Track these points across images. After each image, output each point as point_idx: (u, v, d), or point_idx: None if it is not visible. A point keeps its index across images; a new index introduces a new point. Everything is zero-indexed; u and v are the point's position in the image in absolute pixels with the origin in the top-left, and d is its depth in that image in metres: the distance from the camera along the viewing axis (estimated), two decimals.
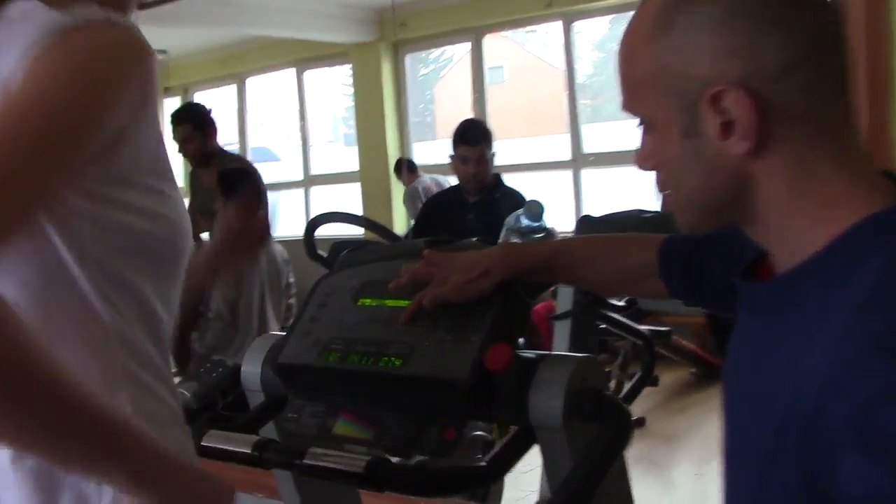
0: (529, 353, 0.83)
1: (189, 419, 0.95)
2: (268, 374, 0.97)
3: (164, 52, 6.90)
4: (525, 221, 2.74)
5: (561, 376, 0.79)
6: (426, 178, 4.98)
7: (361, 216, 2.99)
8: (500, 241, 2.64)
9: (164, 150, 0.76)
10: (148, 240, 0.74)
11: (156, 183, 0.75)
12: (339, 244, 2.90)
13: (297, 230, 5.72)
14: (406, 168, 5.22)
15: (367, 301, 0.93)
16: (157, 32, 5.62)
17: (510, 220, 2.83)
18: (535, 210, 2.74)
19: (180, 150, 3.29)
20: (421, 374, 0.83)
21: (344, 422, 0.89)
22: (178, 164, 3.86)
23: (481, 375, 0.79)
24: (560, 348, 1.67)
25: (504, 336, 0.82)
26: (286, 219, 5.37)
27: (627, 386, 2.01)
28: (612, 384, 3.56)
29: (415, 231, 2.94)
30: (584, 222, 1.75)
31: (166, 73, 7.47)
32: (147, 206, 0.74)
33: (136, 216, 0.73)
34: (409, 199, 5.05)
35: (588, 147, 5.34)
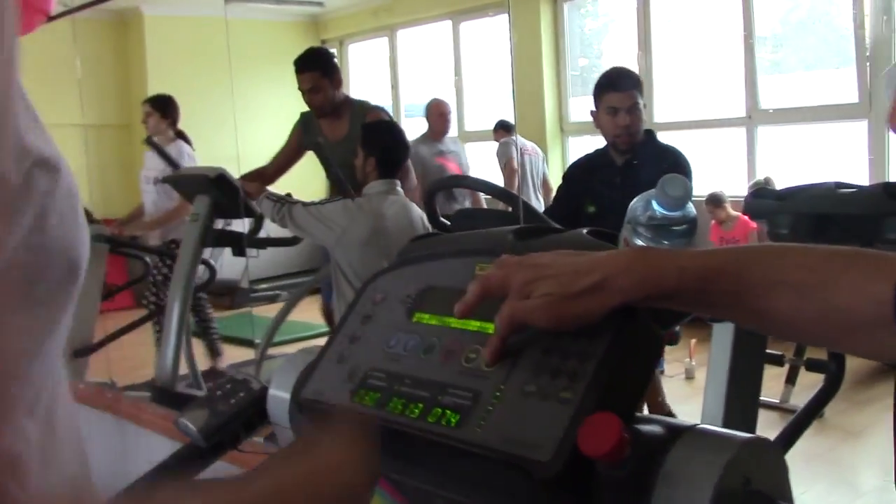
0: (655, 425, 0.51)
1: (193, 462, 0.69)
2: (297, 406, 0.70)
3: (320, 3, 6.87)
4: (659, 209, 2.02)
5: (709, 471, 0.47)
6: (521, 139, 4.81)
7: (485, 181, 2.67)
8: (619, 239, 2.13)
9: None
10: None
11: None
12: (464, 212, 2.64)
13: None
14: (500, 127, 5.11)
15: (425, 317, 0.64)
16: None
17: (636, 206, 2.26)
18: (676, 193, 2.01)
19: (306, 100, 3.07)
20: (483, 444, 0.53)
21: (379, 494, 0.61)
22: (283, 112, 3.66)
23: (573, 460, 0.49)
24: (714, 392, 1.23)
25: (614, 399, 0.51)
26: None
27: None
28: (785, 370, 3.13)
29: (555, 204, 2.60)
30: (760, 198, 1.29)
31: (323, 25, 7.45)
32: None
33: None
34: (502, 151, 4.88)
35: (766, 102, 4.82)
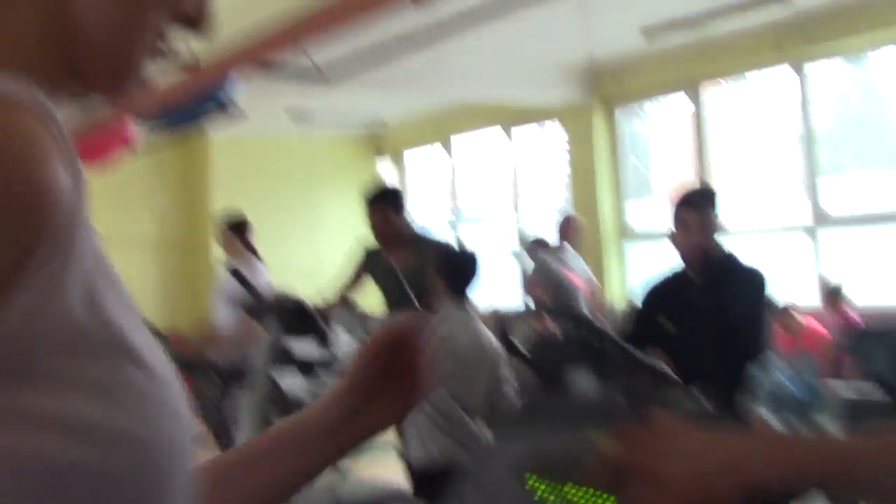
0: None
1: None
2: None
3: (380, 120, 7.05)
4: (791, 387, 1.65)
5: None
6: (550, 256, 4.70)
7: (576, 313, 2.63)
8: (743, 412, 1.91)
9: (115, 301, 0.46)
10: (78, 476, 0.42)
11: (98, 367, 0.44)
12: (545, 343, 2.62)
13: (506, 300, 5.53)
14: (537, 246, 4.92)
15: (541, 488, 0.65)
16: (370, 98, 5.75)
17: (759, 376, 2.18)
18: (811, 380, 1.60)
19: (373, 232, 3.18)
20: None
21: None
22: (345, 246, 3.72)
23: None
24: None
25: None
26: (495, 287, 5.15)
27: None
28: None
29: (635, 327, 2.56)
30: (865, 341, 1.22)
31: (381, 138, 7.64)
32: (75, 411, 0.42)
33: (52, 434, 0.41)
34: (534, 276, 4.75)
35: (827, 204, 4.78)
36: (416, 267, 2.95)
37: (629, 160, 6.05)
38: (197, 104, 3.28)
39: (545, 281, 4.30)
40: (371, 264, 3.34)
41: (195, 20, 0.61)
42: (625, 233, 5.78)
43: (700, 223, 2.39)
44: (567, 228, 4.65)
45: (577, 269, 4.49)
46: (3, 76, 0.47)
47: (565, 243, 4.56)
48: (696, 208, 2.44)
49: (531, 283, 4.41)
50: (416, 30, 3.45)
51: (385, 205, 3.24)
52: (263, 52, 2.40)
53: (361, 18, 2.03)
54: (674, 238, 2.48)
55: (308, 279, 4.20)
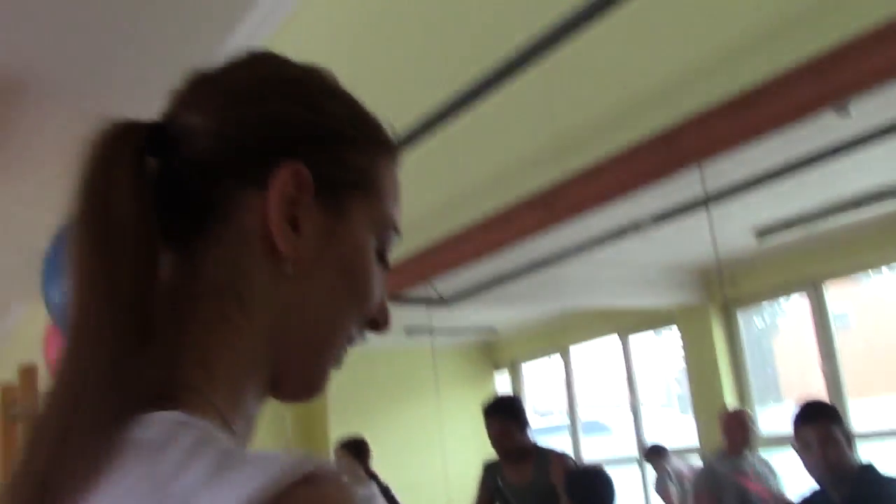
0: None
1: None
2: None
3: (493, 330, 7.15)
4: None
5: None
6: (675, 461, 4.47)
7: None
8: None
9: None
10: None
11: None
12: None
13: None
14: (654, 454, 4.82)
15: None
16: (487, 313, 5.83)
17: None
18: None
19: (493, 444, 3.13)
20: None
21: None
22: (469, 460, 3.70)
23: None
24: None
25: None
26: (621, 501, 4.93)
27: None
28: None
29: None
30: None
31: (497, 349, 7.70)
32: None
33: None
34: (659, 486, 4.62)
35: None
36: (539, 482, 2.88)
37: (754, 364, 5.87)
38: None
39: (712, 490, 3.87)
40: (492, 480, 3.26)
41: (380, 324, 0.64)
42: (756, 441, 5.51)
43: (822, 439, 2.28)
44: (733, 426, 4.05)
45: (750, 473, 3.94)
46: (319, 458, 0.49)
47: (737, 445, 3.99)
48: (814, 424, 2.34)
49: (698, 495, 3.96)
50: (538, 257, 3.54)
51: (504, 416, 3.19)
52: (393, 290, 2.48)
53: (490, 254, 2.10)
54: (799, 456, 2.37)
55: (435, 497, 4.12)
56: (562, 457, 3.15)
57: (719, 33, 1.66)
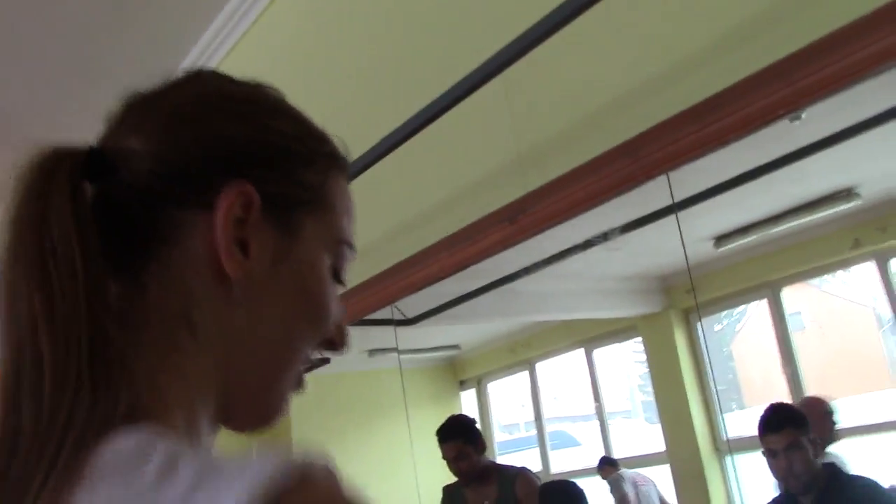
0: None
1: None
2: None
3: (456, 347, 7.12)
4: None
5: None
6: (629, 472, 4.51)
7: None
8: None
9: None
10: None
11: None
12: None
13: None
14: (606, 464, 4.92)
15: None
16: (451, 331, 5.80)
17: None
18: None
19: (451, 469, 3.13)
20: None
21: None
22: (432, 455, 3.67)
23: None
24: None
25: None
26: None
27: None
28: None
29: None
30: None
31: (461, 366, 7.66)
32: None
33: None
34: (614, 487, 4.66)
35: None
36: (504, 500, 2.87)
37: (717, 370, 5.91)
38: None
39: None
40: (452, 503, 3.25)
41: (337, 344, 0.62)
42: (722, 447, 5.54)
43: (788, 446, 2.31)
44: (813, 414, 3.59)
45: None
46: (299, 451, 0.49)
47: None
48: (779, 431, 2.38)
49: None
50: (502, 272, 3.54)
51: (457, 439, 3.20)
52: (359, 314, 2.45)
53: (455, 272, 2.07)
54: (768, 462, 2.40)
55: None
56: (525, 471, 3.15)
57: (680, 42, 1.67)
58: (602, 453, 6.06)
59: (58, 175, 0.56)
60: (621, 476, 4.62)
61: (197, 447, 0.54)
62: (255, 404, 0.60)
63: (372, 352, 5.70)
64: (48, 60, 3.11)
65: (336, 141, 0.67)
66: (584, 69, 1.79)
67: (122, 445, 0.48)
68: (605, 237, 2.74)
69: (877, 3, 1.33)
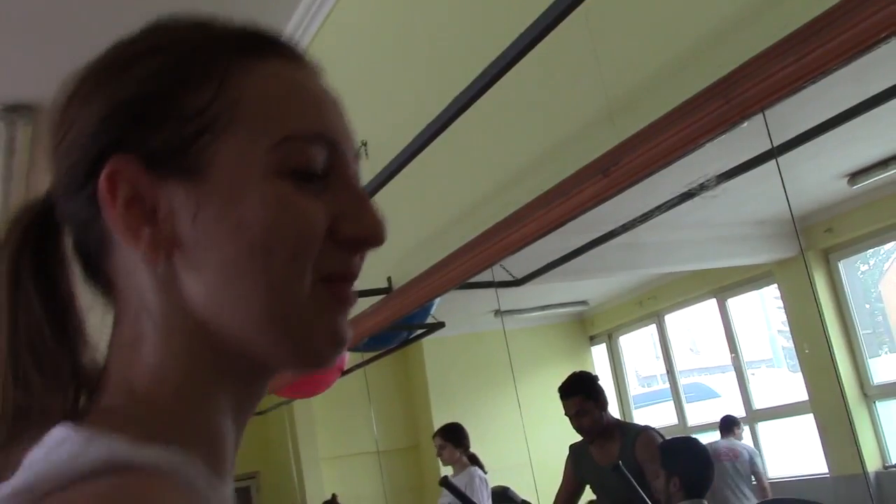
0: None
1: None
2: None
3: (584, 303, 7.03)
4: None
5: None
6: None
7: None
8: None
9: None
10: None
11: None
12: None
13: None
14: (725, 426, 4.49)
15: None
16: (577, 286, 5.72)
17: None
18: None
19: (574, 425, 3.08)
20: None
21: None
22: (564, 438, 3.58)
23: None
24: None
25: None
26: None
27: None
28: None
29: None
30: None
31: (590, 322, 7.57)
32: None
33: None
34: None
35: None
36: (626, 460, 2.79)
37: (861, 313, 5.60)
38: (398, 326, 3.35)
39: None
40: (579, 462, 3.21)
41: (364, 236, 0.55)
42: (870, 392, 5.26)
43: None
44: None
45: None
46: (152, 446, 0.46)
47: None
48: None
49: None
50: (608, 222, 3.43)
51: (580, 396, 3.15)
52: (460, 277, 2.42)
53: (553, 228, 2.01)
54: None
55: (535, 473, 4.05)
56: (648, 430, 3.07)
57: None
58: (742, 403, 5.87)
59: (16, 230, 0.57)
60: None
61: (189, 437, 0.51)
62: (275, 345, 0.54)
63: (497, 312, 5.70)
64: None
65: (235, 32, 0.57)
66: (670, 6, 1.67)
67: (46, 441, 0.47)
68: (703, 188, 2.59)
69: None
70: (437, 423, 4.91)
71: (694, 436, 3.15)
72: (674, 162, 1.65)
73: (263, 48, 0.55)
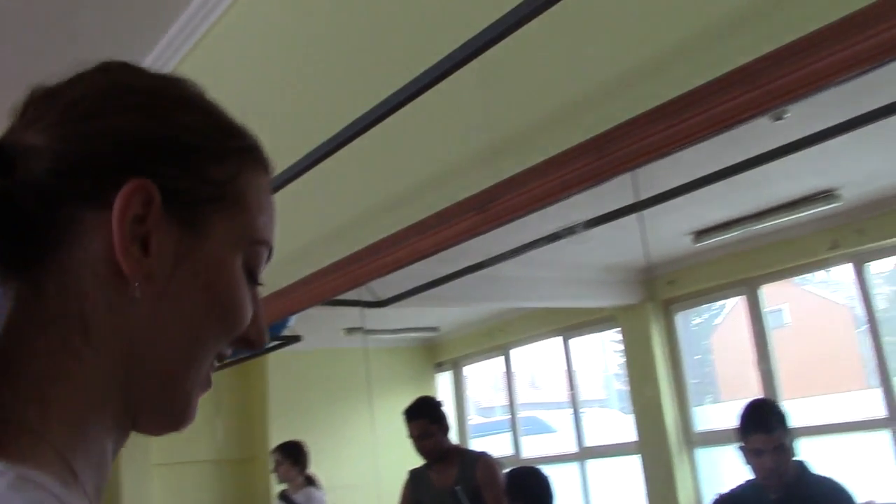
0: None
1: None
2: None
3: (435, 329, 7.14)
4: None
5: None
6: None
7: None
8: None
9: None
10: None
11: None
12: None
13: None
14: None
15: None
16: (429, 312, 5.81)
17: None
18: None
19: (416, 447, 3.17)
20: None
21: None
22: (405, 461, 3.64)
23: None
24: None
25: None
26: (562, 500, 4.98)
27: None
28: None
29: None
30: None
31: (439, 348, 7.69)
32: None
33: None
34: None
35: None
36: (464, 484, 2.89)
37: (692, 363, 5.95)
38: None
39: None
40: (418, 486, 3.29)
41: (254, 342, 0.61)
42: (692, 439, 5.59)
43: (771, 446, 2.32)
44: None
45: None
46: (34, 467, 0.47)
47: None
48: (768, 433, 2.38)
49: None
50: (476, 258, 3.54)
51: (423, 418, 3.23)
52: (324, 296, 2.45)
53: (426, 256, 2.08)
54: (745, 458, 2.40)
55: (370, 499, 4.08)
56: (486, 456, 3.18)
57: (650, 39, 1.66)
58: (575, 440, 6.10)
59: None
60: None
61: (76, 462, 0.52)
62: (161, 406, 0.58)
63: (349, 330, 5.72)
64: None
65: (253, 137, 0.64)
66: (558, 63, 1.78)
67: None
68: (571, 231, 2.75)
69: (843, 12, 1.33)
70: (275, 438, 4.86)
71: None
72: (548, 206, 1.75)
73: (261, 159, 0.62)
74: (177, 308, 0.56)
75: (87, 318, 0.55)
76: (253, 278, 0.61)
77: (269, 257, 0.63)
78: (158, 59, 3.12)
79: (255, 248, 0.61)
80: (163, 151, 0.58)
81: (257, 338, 0.61)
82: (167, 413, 0.59)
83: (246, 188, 0.61)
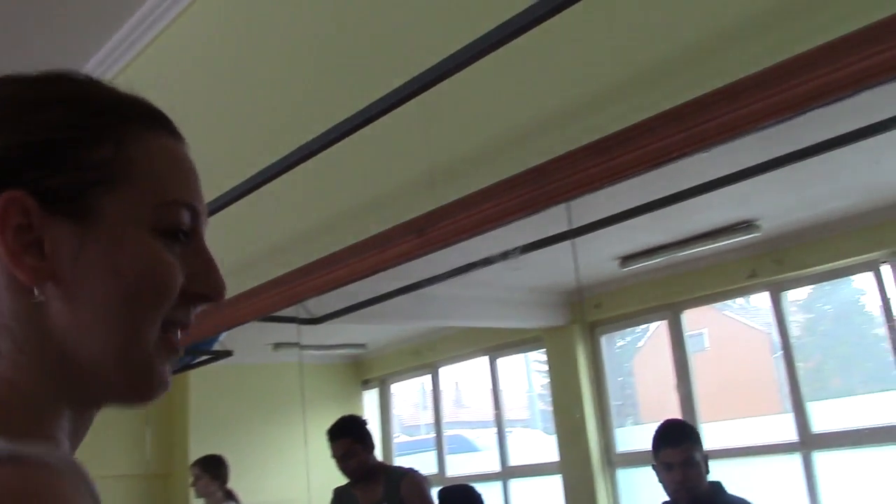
0: None
1: None
2: None
3: (363, 346, 7.14)
4: None
5: None
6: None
7: None
8: None
9: None
10: None
11: None
12: None
13: None
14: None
15: None
16: (357, 329, 5.81)
17: None
18: None
19: (340, 467, 3.17)
20: None
21: None
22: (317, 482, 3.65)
23: None
24: None
25: None
26: None
27: None
28: None
29: None
30: None
31: (366, 366, 7.67)
32: None
33: None
34: None
35: (816, 424, 4.76)
36: (389, 500, 2.91)
37: (614, 385, 6.07)
38: (187, 351, 3.31)
39: None
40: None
41: (210, 295, 0.62)
42: (614, 459, 5.70)
43: (684, 461, 2.41)
44: None
45: None
46: (35, 441, 0.49)
47: None
48: (677, 446, 2.47)
49: None
50: (409, 279, 3.58)
51: (347, 437, 3.22)
52: (263, 311, 2.47)
53: (365, 276, 2.12)
54: (658, 474, 2.49)
55: None
56: (411, 472, 3.21)
57: (586, 78, 1.74)
58: (498, 460, 6.16)
59: None
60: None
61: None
62: (119, 381, 0.60)
63: (277, 345, 5.68)
64: None
65: (141, 104, 0.65)
66: (498, 96, 1.85)
67: None
68: (505, 256, 2.83)
69: (776, 59, 1.42)
70: (195, 452, 4.80)
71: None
72: (484, 232, 1.81)
73: (152, 120, 0.63)
74: (92, 298, 0.58)
75: (12, 330, 0.58)
76: (183, 237, 0.62)
77: (195, 211, 0.64)
78: (101, 64, 3.09)
79: (164, 209, 0.61)
80: (24, 158, 0.59)
81: (212, 291, 0.63)
82: (133, 387, 0.61)
83: (137, 157, 0.61)
